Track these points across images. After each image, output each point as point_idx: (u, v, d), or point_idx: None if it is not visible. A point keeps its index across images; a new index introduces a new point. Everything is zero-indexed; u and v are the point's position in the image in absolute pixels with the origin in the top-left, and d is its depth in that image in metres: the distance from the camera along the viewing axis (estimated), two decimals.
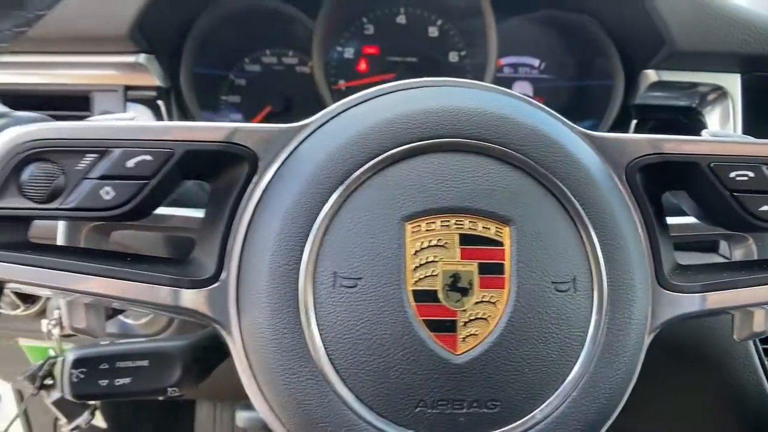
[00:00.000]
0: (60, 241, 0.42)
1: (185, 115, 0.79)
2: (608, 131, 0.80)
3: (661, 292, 0.40)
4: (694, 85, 0.75)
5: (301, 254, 0.35)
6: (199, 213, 0.45)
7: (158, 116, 0.75)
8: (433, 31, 0.88)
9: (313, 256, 0.35)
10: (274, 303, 0.35)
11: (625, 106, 0.79)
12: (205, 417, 1.32)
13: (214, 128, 0.38)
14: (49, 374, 0.71)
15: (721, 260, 0.69)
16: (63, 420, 0.70)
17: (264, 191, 0.38)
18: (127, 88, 0.73)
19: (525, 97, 0.40)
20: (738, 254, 0.49)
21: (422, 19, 0.88)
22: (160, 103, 0.75)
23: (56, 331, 0.68)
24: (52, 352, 0.72)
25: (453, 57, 0.88)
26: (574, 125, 0.41)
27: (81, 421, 0.70)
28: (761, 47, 0.70)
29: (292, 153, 0.38)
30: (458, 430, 0.35)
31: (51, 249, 0.38)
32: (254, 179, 0.38)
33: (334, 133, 0.38)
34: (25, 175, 0.35)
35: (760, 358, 0.73)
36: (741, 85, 0.75)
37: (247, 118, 0.88)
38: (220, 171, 0.40)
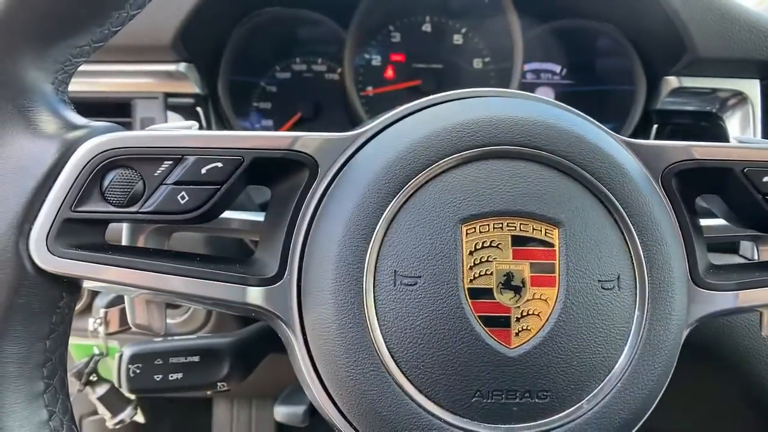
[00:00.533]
0: (125, 241, 0.44)
1: (221, 121, 0.82)
2: (629, 136, 0.82)
3: (696, 290, 0.42)
4: (715, 90, 0.78)
5: (365, 255, 0.38)
6: (256, 216, 0.48)
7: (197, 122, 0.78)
8: (457, 39, 0.91)
9: (375, 256, 0.38)
10: (339, 300, 0.37)
11: (646, 111, 0.82)
12: (223, 415, 1.34)
13: (278, 137, 0.40)
14: (95, 371, 0.74)
15: (744, 261, 0.71)
16: (108, 415, 0.73)
17: (324, 196, 0.40)
18: (167, 95, 0.76)
19: (569, 107, 0.43)
20: (766, 255, 0.51)
21: (447, 27, 0.91)
22: (198, 109, 0.78)
23: (102, 330, 0.70)
24: (96, 350, 0.75)
25: (477, 64, 0.91)
26: (613, 133, 0.43)
27: (125, 415, 0.73)
28: None
29: (350, 159, 0.41)
30: (512, 418, 0.38)
31: (125, 249, 0.41)
32: (314, 185, 0.41)
33: (390, 141, 0.40)
34: (107, 181, 0.38)
35: None
36: (761, 90, 0.77)
37: (278, 124, 0.91)
38: (282, 177, 0.42)
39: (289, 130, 0.90)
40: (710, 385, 0.83)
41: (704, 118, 0.80)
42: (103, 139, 0.38)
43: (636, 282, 0.39)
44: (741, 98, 0.77)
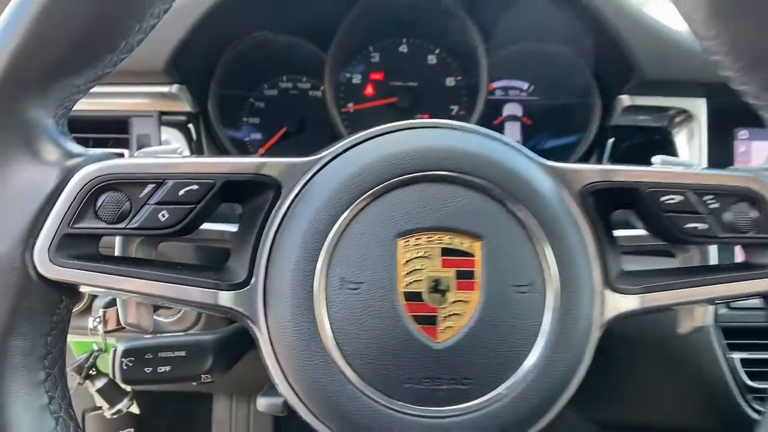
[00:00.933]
0: (117, 251, 0.51)
1: (212, 136, 0.89)
2: (587, 149, 0.89)
3: (608, 293, 0.48)
4: (664, 108, 0.84)
5: (316, 263, 0.44)
6: (231, 227, 0.55)
7: (189, 138, 0.85)
8: (431, 59, 0.98)
9: (326, 265, 0.44)
10: (294, 302, 0.44)
11: (603, 127, 0.89)
12: (222, 410, 1.38)
13: (247, 162, 0.47)
14: (94, 366, 0.81)
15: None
16: (105, 405, 0.80)
17: (286, 213, 0.47)
18: (161, 113, 0.83)
19: (496, 134, 0.49)
20: (680, 261, 0.57)
21: (422, 49, 0.98)
22: (190, 126, 0.86)
23: (101, 328, 0.77)
24: (95, 347, 0.83)
25: (450, 82, 0.98)
26: (537, 157, 0.50)
27: (122, 405, 0.80)
28: (718, 75, 0.79)
29: (308, 182, 0.47)
30: (439, 401, 0.44)
31: (116, 259, 0.48)
32: (278, 203, 0.47)
33: (341, 166, 0.47)
34: (99, 201, 0.45)
35: (722, 349, 0.82)
36: (707, 108, 0.84)
37: (266, 137, 0.98)
38: (250, 196, 0.49)
39: (276, 143, 0.97)
40: (662, 377, 0.90)
41: (656, 132, 0.86)
42: (96, 166, 0.44)
43: (547, 287, 0.45)
44: (687, 116, 0.83)
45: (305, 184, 0.47)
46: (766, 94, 0.49)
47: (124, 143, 0.83)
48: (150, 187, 0.45)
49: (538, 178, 0.47)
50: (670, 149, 0.84)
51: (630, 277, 0.50)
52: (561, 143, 0.96)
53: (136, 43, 0.47)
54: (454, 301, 0.44)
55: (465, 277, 0.45)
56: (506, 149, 0.48)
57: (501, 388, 0.45)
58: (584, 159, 0.90)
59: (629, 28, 0.77)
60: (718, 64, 0.49)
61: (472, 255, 0.45)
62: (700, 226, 0.48)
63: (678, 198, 0.48)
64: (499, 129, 0.98)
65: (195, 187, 0.45)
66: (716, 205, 0.48)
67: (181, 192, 0.45)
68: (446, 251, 0.45)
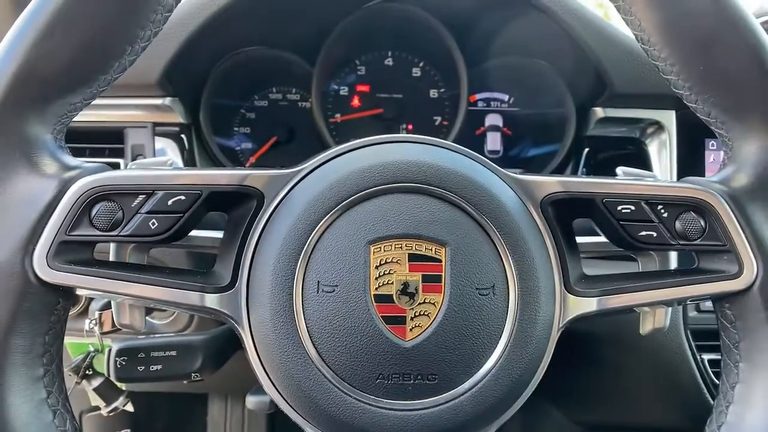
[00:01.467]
0: (112, 256, 0.54)
1: (204, 146, 0.93)
2: (563, 158, 0.93)
3: (567, 296, 0.52)
4: (636, 120, 0.88)
5: (295, 268, 0.48)
6: (217, 234, 0.58)
7: (182, 147, 0.89)
8: (416, 72, 1.02)
9: (303, 270, 0.48)
10: (274, 304, 0.47)
11: (578, 137, 0.93)
12: (217, 411, 1.40)
13: (231, 174, 0.51)
14: (90, 366, 0.85)
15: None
16: (102, 404, 0.84)
17: (268, 222, 0.50)
18: (155, 124, 0.87)
19: (462, 149, 0.53)
20: (642, 266, 0.61)
21: (407, 62, 1.02)
22: (183, 136, 0.89)
23: (97, 329, 0.81)
24: (91, 348, 0.86)
25: (433, 93, 1.01)
26: (500, 170, 0.53)
27: (118, 403, 0.83)
28: None
29: (288, 192, 0.51)
30: (408, 395, 0.48)
31: (110, 264, 0.51)
32: (260, 213, 0.51)
33: (319, 179, 0.50)
34: (94, 211, 0.48)
35: (691, 351, 0.86)
36: (676, 119, 0.88)
37: (257, 146, 1.01)
38: (235, 205, 0.52)
39: (266, 152, 1.01)
40: (633, 376, 0.93)
41: (629, 143, 0.90)
42: (91, 178, 0.48)
43: (508, 290, 0.49)
44: (658, 127, 0.87)
45: (285, 195, 0.50)
46: (715, 112, 0.53)
47: (120, 153, 0.87)
48: (141, 197, 0.48)
49: (501, 189, 0.51)
50: (643, 159, 0.88)
51: (588, 280, 0.54)
52: (541, 152, 1.00)
53: (129, 63, 0.51)
54: (422, 303, 0.48)
55: (431, 280, 0.48)
56: (471, 162, 0.52)
57: (465, 384, 0.48)
58: (561, 168, 0.94)
59: (599, 43, 0.81)
60: (670, 83, 0.53)
61: (438, 260, 0.48)
62: (653, 233, 0.51)
63: (631, 208, 0.51)
64: (481, 139, 1.02)
65: (182, 197, 0.49)
66: (666, 215, 0.51)
67: (170, 202, 0.48)
68: (414, 257, 0.48)
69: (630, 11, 0.52)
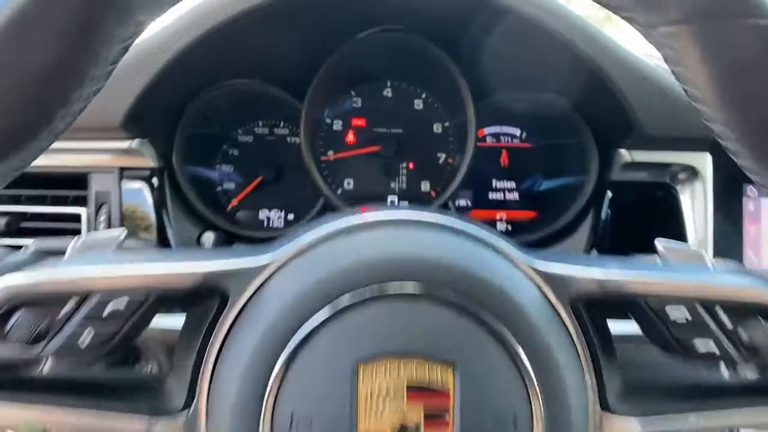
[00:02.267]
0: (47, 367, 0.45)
1: (176, 191, 0.82)
2: (583, 207, 0.83)
3: (605, 415, 0.42)
4: (666, 165, 0.78)
5: (264, 395, 0.38)
6: (177, 322, 0.48)
7: (153, 192, 0.79)
8: (418, 104, 0.92)
9: (272, 398, 0.38)
10: None
11: (601, 181, 0.82)
12: None
13: (187, 273, 0.41)
14: None
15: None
16: None
17: (231, 328, 0.41)
18: (122, 169, 0.77)
19: (471, 228, 0.43)
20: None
21: (407, 93, 0.91)
22: (154, 180, 0.79)
23: None
24: None
25: (437, 128, 0.91)
26: (522, 256, 0.43)
27: None
28: None
29: (257, 291, 0.41)
30: None
31: (34, 382, 0.42)
32: (223, 315, 0.41)
33: (294, 276, 0.41)
34: (10, 322, 0.39)
35: None
36: (712, 164, 0.77)
37: (241, 186, 0.91)
38: (195, 302, 0.43)
39: (251, 192, 0.91)
40: None
41: (660, 188, 0.80)
42: (4, 282, 0.38)
43: (533, 420, 0.39)
44: (692, 172, 0.77)
45: (252, 296, 0.41)
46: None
47: (83, 201, 0.77)
48: (71, 303, 0.39)
49: (523, 289, 0.41)
50: (674, 207, 0.78)
51: (630, 395, 0.44)
52: (556, 185, 0.90)
53: (63, 128, 0.41)
54: None
55: (435, 414, 0.38)
56: (482, 251, 0.42)
57: None
58: (582, 214, 0.83)
59: (628, 81, 0.70)
60: (716, 133, 0.44)
61: (444, 387, 0.38)
62: (710, 341, 0.41)
63: (683, 308, 0.42)
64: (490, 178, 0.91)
65: (124, 303, 0.39)
66: (727, 320, 0.41)
67: (108, 307, 0.39)
68: (413, 384, 0.38)
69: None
